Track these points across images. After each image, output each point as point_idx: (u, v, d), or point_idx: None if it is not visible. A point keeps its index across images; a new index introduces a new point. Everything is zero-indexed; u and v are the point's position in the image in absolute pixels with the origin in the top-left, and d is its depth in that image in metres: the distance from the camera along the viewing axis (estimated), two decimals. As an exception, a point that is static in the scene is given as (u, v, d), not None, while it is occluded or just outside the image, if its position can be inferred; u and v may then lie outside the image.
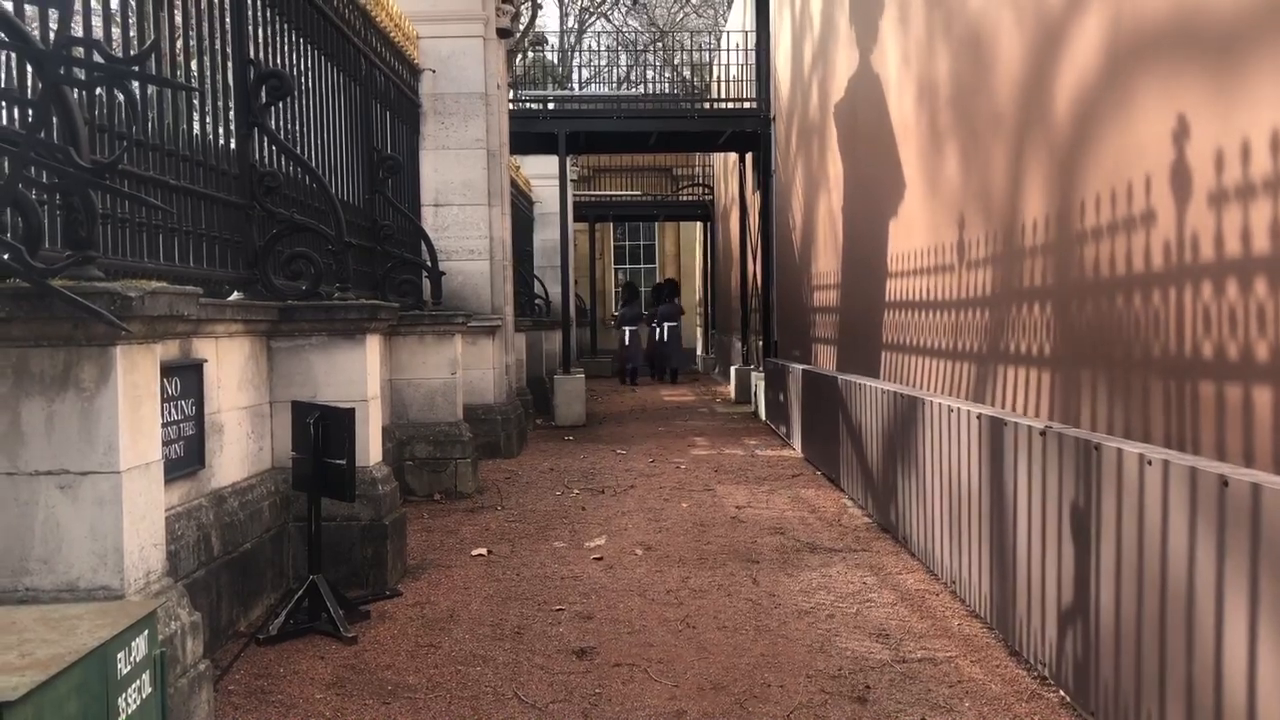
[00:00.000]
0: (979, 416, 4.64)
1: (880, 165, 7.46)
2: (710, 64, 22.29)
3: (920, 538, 5.67)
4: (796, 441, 10.39)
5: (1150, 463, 3.11)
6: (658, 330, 21.54)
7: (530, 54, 21.91)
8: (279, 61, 5.87)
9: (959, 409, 4.94)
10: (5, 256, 2.71)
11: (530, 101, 16.04)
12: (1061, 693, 3.77)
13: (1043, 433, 3.92)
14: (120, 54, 3.70)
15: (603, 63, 20.81)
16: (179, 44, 4.69)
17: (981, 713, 3.65)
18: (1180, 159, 3.40)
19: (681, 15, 30.36)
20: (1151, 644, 3.09)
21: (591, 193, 26.48)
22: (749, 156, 15.92)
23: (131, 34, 4.24)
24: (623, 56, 24.33)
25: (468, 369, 9.43)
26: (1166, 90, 3.52)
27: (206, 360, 4.49)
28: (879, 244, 7.45)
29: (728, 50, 16.82)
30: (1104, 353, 3.91)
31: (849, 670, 4.08)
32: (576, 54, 26.72)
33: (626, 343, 20.97)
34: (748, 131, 14.58)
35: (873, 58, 7.80)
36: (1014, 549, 4.22)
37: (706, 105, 18.25)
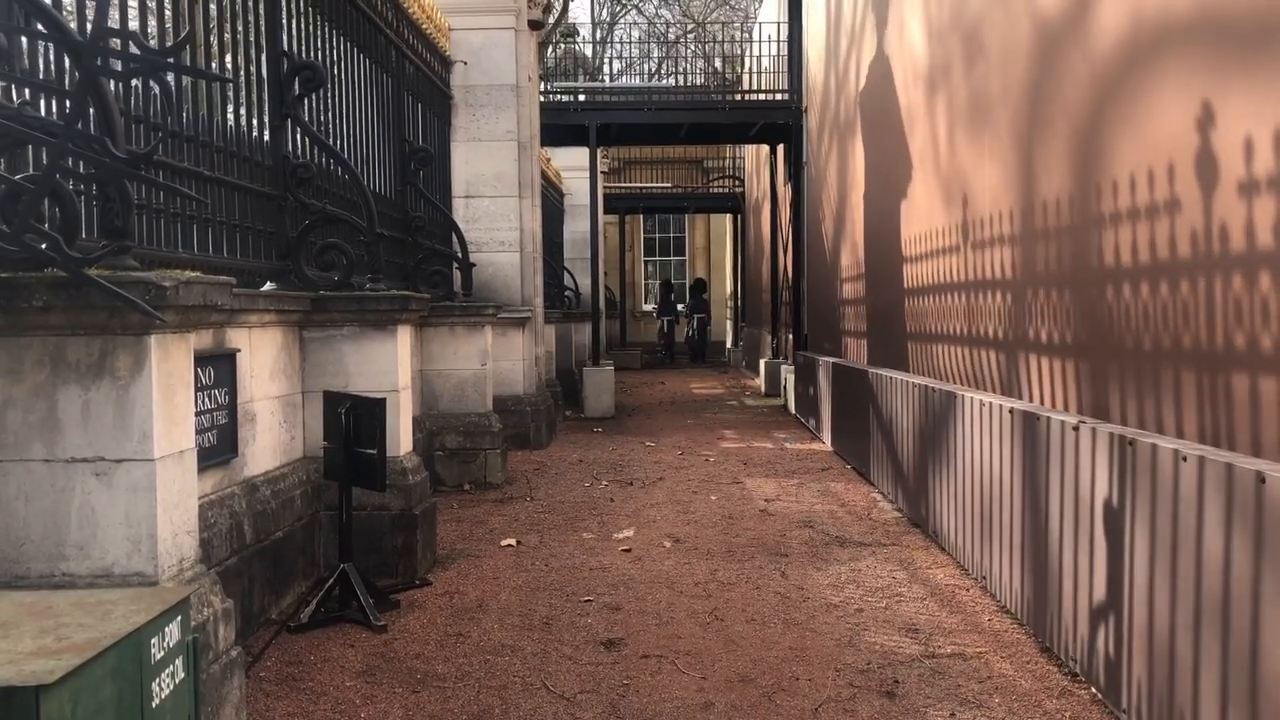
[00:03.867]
0: (1011, 411, 4.60)
1: (899, 152, 7.40)
2: (742, 55, 22.17)
3: (951, 532, 5.63)
4: (826, 435, 10.34)
5: (1185, 458, 3.07)
6: (692, 320, 26.71)
7: (561, 46, 21.91)
8: (312, 53, 5.90)
9: (991, 403, 4.89)
10: (43, 246, 2.74)
11: (561, 93, 16.02)
12: (1093, 689, 3.73)
13: (1075, 428, 3.87)
14: (156, 45, 3.75)
15: (634, 54, 20.76)
16: (213, 36, 4.73)
17: (1011, 708, 3.62)
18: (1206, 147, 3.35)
19: (715, 7, 30.22)
20: (1185, 642, 3.05)
21: (622, 185, 26.50)
22: (780, 148, 15.83)
23: (167, 26, 4.28)
24: (654, 48, 24.30)
25: (497, 360, 9.47)
26: (1188, 77, 3.47)
27: (240, 350, 4.53)
28: (899, 232, 7.40)
29: (760, 41, 16.70)
30: (1133, 344, 3.86)
31: (878, 664, 4.06)
32: (608, 46, 26.68)
33: (664, 330, 27.20)
34: (779, 123, 14.50)
35: (890, 46, 7.74)
36: (1046, 544, 4.18)
37: (738, 97, 18.15)
